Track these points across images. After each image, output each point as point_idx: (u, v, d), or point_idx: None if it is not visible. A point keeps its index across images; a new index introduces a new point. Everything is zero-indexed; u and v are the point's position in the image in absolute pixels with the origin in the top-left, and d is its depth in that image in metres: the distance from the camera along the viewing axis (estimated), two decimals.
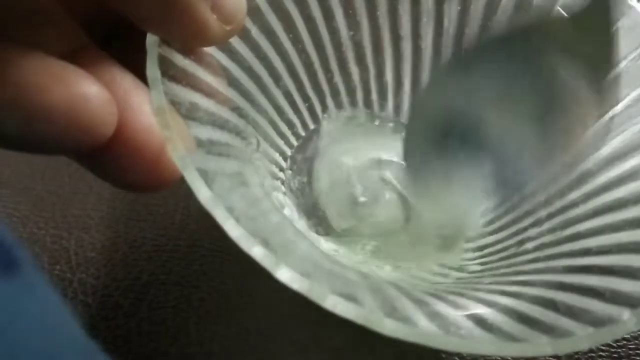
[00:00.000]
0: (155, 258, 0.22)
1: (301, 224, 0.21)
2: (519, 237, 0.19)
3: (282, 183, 0.22)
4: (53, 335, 0.11)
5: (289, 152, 0.23)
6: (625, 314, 0.13)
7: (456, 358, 0.20)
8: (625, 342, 0.21)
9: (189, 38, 0.15)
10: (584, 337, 0.12)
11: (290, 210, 0.21)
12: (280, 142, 0.22)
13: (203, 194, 0.12)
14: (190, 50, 0.16)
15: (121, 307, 0.21)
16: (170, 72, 0.14)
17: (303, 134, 0.23)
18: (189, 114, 0.14)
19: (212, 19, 0.14)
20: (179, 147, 0.13)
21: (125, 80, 0.14)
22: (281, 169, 0.22)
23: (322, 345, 0.20)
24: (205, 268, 0.22)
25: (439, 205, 0.21)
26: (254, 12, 0.19)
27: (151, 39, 0.14)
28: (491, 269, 0.19)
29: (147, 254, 0.23)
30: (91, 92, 0.13)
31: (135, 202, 0.24)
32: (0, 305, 0.10)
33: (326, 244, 0.20)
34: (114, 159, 0.14)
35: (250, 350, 0.20)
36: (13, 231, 0.23)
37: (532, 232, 0.19)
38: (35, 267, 0.11)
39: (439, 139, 0.19)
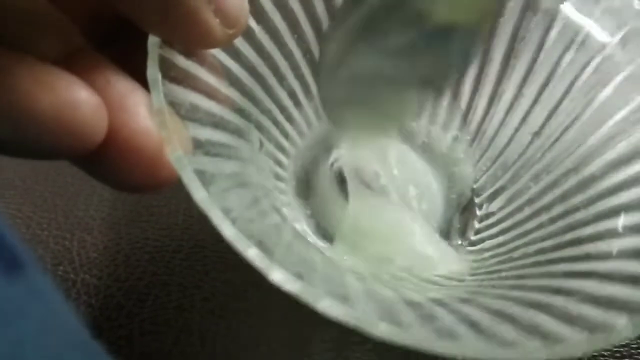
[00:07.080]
0: (157, 259, 0.23)
1: (302, 224, 0.21)
2: (520, 241, 0.19)
3: (286, 184, 0.22)
4: (57, 335, 0.11)
5: (293, 152, 0.23)
6: (621, 321, 0.13)
7: None
8: (628, 341, 0.21)
9: (192, 41, 0.15)
10: (578, 343, 0.12)
11: (291, 211, 0.21)
12: (285, 143, 0.22)
13: (199, 195, 0.12)
14: (192, 52, 0.16)
15: (124, 308, 0.21)
16: (171, 74, 0.14)
17: (308, 133, 0.23)
18: (189, 115, 0.14)
19: (215, 23, 0.14)
20: (177, 148, 0.13)
21: (120, 83, 0.14)
22: (285, 170, 0.22)
23: (325, 346, 0.20)
24: (208, 268, 0.22)
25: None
26: (258, 12, 0.19)
27: (152, 40, 0.14)
28: (491, 272, 0.19)
29: (150, 254, 0.23)
30: (80, 98, 0.13)
31: (138, 203, 0.25)
32: (5, 306, 0.10)
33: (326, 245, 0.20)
34: (111, 162, 0.14)
35: (252, 351, 0.20)
36: (16, 232, 0.23)
37: (533, 236, 0.19)
38: (39, 268, 0.11)
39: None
